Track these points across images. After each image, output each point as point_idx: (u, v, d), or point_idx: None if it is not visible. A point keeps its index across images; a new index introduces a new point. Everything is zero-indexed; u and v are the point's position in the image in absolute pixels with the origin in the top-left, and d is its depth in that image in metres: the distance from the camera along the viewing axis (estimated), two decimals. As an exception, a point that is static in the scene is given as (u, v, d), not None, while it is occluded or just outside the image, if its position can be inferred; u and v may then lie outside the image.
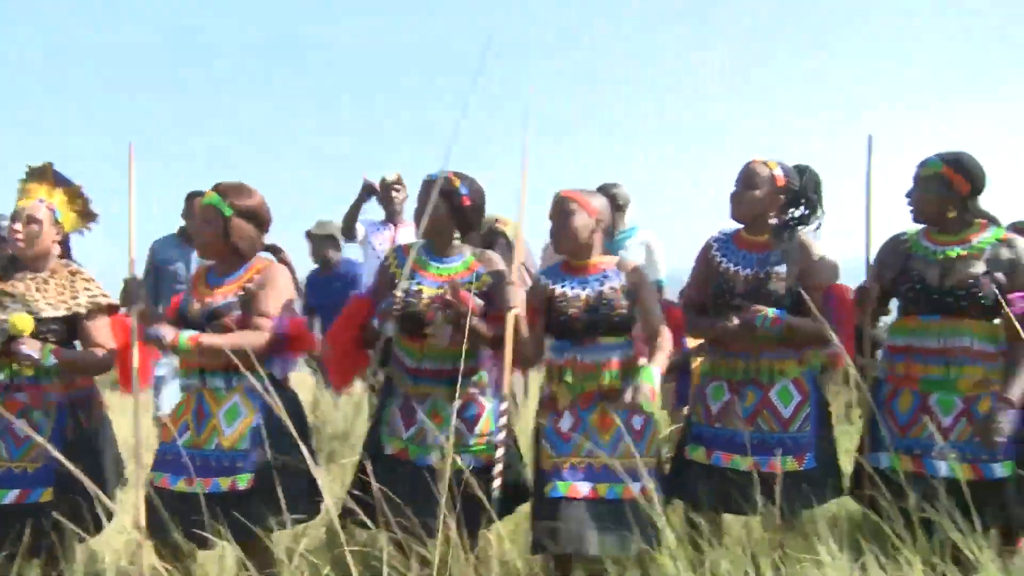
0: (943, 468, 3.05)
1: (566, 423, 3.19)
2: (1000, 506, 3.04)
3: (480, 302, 3.21)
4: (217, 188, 3.23)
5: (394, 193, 5.57)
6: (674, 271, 4.69)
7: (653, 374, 3.06)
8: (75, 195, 3.53)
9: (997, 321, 3.18)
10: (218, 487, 3.02)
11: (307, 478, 3.02)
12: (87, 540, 3.16)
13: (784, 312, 3.20)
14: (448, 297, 3.15)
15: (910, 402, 3.23)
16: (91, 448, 3.38)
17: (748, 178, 3.32)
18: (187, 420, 3.15)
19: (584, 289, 3.23)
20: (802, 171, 3.39)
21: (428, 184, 3.29)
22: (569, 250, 3.29)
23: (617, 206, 4.53)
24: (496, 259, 3.41)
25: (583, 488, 3.09)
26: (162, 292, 5.10)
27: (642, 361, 3.18)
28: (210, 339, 3.04)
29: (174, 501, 2.99)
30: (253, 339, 3.06)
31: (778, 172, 3.31)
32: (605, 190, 4.08)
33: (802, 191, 3.36)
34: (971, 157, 3.24)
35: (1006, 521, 3.08)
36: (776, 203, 3.33)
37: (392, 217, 5.62)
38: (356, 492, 3.18)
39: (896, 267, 3.31)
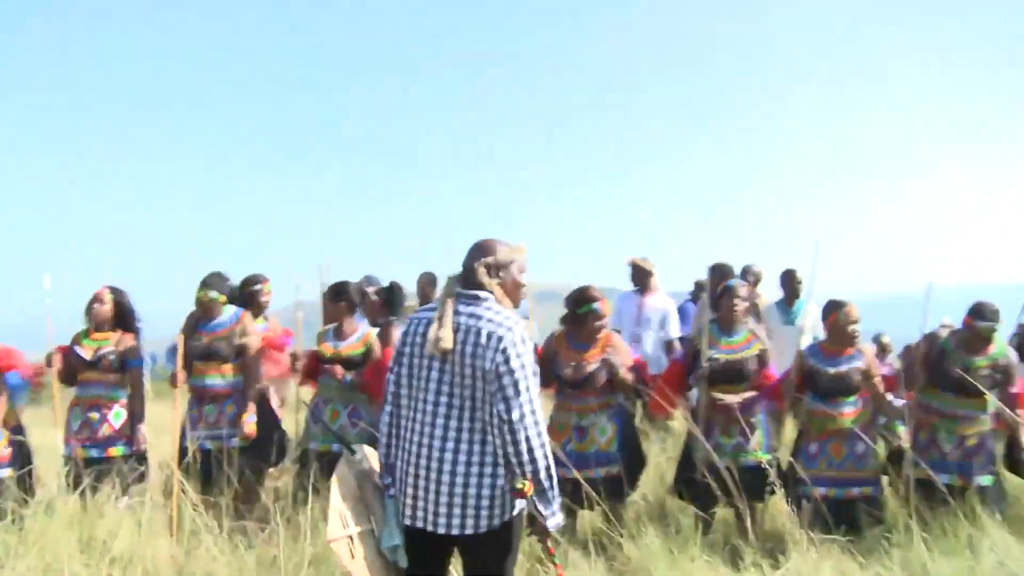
0: (945, 478, 5.06)
1: (813, 448, 5.19)
2: None
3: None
4: None
5: (641, 270, 7.74)
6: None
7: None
8: None
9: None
10: (599, 474, 5.01)
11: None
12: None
13: None
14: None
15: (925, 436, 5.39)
16: None
17: None
18: (569, 436, 5.16)
19: (834, 367, 5.17)
20: None
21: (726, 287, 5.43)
22: (836, 340, 5.25)
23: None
24: (761, 333, 5.51)
25: (820, 491, 5.00)
26: None
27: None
28: None
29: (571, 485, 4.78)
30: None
31: None
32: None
33: None
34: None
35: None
36: None
37: (643, 288, 7.71)
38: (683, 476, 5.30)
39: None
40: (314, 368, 5.86)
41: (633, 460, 5.23)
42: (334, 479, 3.30)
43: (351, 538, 3.20)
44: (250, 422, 5.58)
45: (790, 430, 5.83)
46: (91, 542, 4.54)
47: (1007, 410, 5.15)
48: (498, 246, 3.32)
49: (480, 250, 3.32)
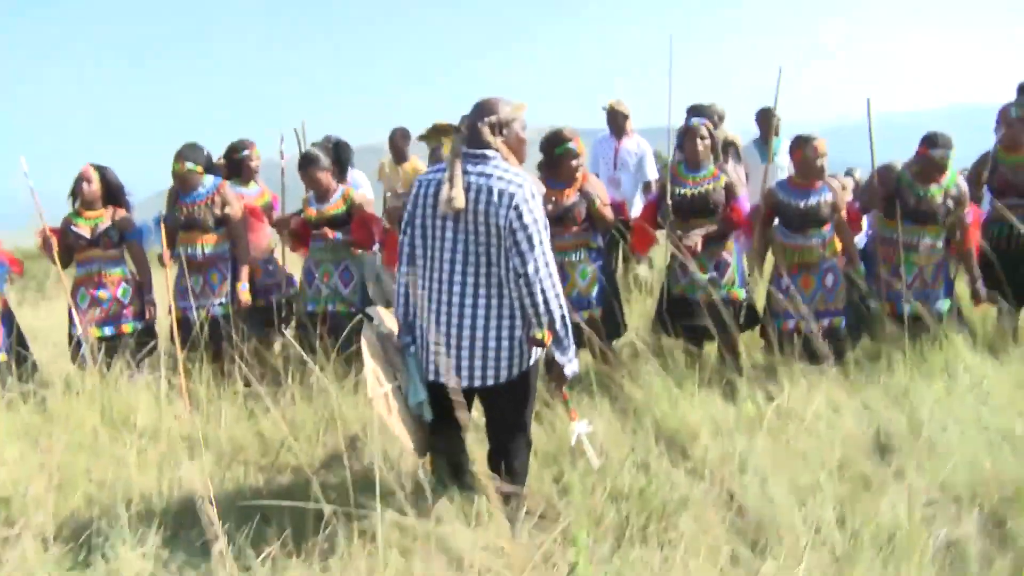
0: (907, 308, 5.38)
1: (784, 282, 5.32)
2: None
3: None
4: None
5: (617, 115, 7.80)
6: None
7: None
8: None
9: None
10: (582, 316, 4.95)
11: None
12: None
13: None
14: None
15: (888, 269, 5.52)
16: None
17: None
18: None
19: (804, 200, 5.33)
20: None
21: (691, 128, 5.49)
22: (804, 175, 5.39)
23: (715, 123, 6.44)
24: (729, 171, 5.63)
25: (790, 324, 5.31)
26: None
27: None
28: None
29: None
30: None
31: None
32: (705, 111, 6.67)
33: None
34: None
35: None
36: None
37: (618, 132, 7.84)
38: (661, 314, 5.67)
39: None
40: (304, 233, 5.93)
41: (614, 304, 5.48)
42: (363, 342, 3.44)
43: (387, 395, 3.37)
44: (244, 290, 5.72)
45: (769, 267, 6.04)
46: (114, 417, 4.69)
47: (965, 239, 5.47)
48: (500, 104, 3.37)
49: (483, 109, 3.36)
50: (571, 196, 5.22)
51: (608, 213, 5.33)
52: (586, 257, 5.36)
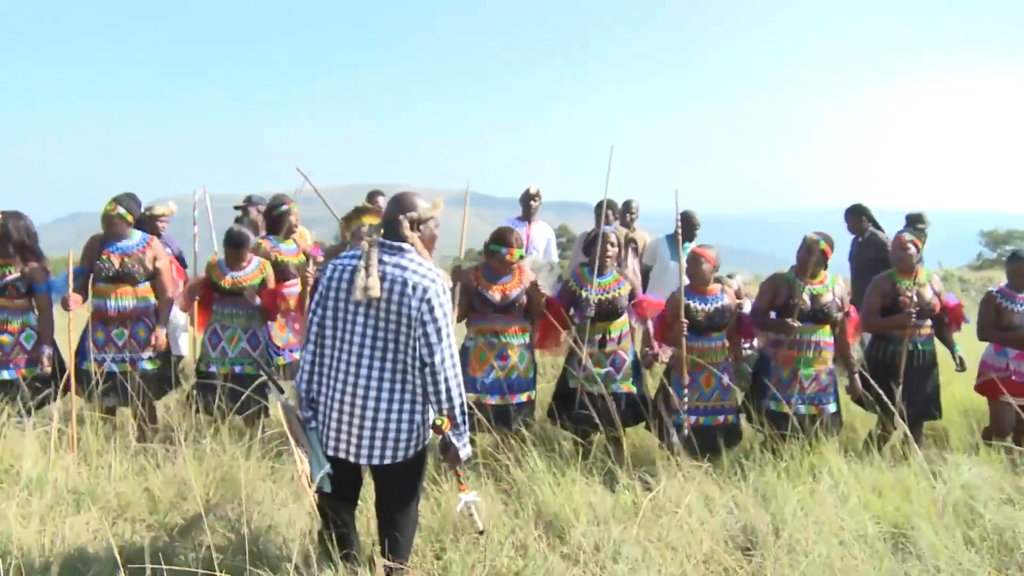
0: (803, 409, 5.74)
1: (686, 380, 5.63)
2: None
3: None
4: None
5: (533, 203, 8.18)
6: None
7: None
8: None
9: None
10: (520, 400, 5.61)
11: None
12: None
13: None
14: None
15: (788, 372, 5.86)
16: None
17: None
18: (492, 363, 5.57)
19: (705, 305, 5.72)
20: None
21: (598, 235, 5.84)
22: (700, 284, 5.77)
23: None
24: (629, 275, 5.87)
25: (691, 419, 5.59)
26: None
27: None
28: None
29: (496, 411, 5.44)
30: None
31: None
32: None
33: None
34: None
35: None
36: None
37: (528, 217, 8.20)
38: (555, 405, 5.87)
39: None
40: (207, 296, 6.00)
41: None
42: (282, 418, 3.58)
43: (307, 471, 3.52)
44: (163, 333, 5.78)
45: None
46: (-1, 464, 4.62)
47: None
48: (418, 201, 3.59)
49: (402, 204, 3.57)
50: (516, 288, 5.54)
51: (543, 307, 5.68)
52: (525, 343, 5.67)
